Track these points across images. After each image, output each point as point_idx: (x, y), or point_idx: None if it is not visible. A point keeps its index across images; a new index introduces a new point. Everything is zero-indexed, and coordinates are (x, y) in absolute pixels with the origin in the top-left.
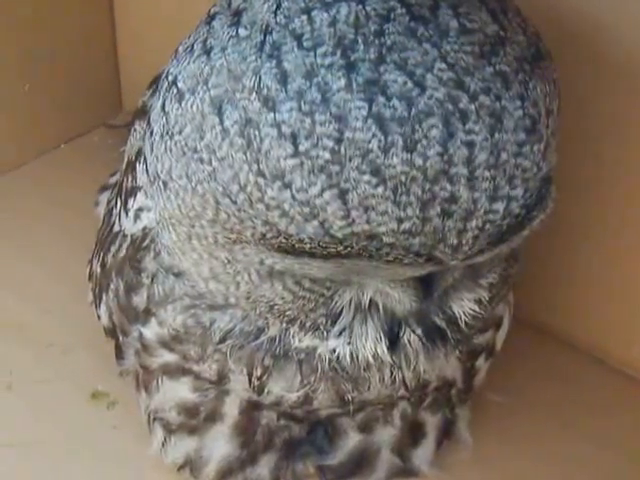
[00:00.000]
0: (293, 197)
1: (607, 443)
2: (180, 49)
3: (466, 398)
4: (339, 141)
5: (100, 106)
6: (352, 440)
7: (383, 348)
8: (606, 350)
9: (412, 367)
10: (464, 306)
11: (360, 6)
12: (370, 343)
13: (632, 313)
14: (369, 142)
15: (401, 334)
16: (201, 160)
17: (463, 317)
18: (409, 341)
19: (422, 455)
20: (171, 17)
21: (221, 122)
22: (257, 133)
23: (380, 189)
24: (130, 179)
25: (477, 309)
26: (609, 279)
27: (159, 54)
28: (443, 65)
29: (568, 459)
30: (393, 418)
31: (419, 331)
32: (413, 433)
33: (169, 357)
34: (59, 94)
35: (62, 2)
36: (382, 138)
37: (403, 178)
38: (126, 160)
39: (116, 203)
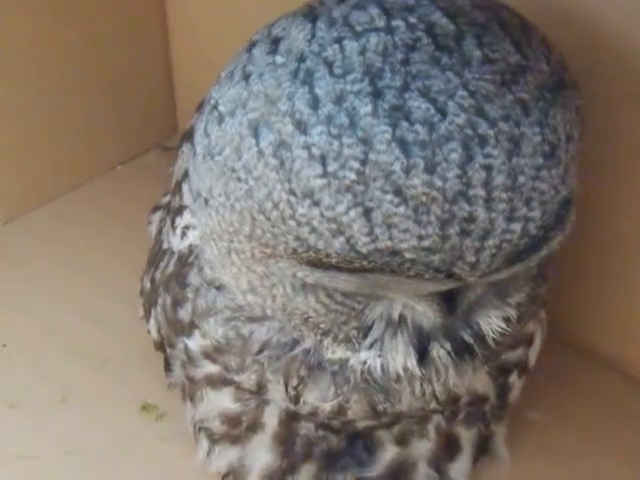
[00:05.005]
0: (321, 214)
1: None
2: (222, 74)
3: (502, 414)
4: (364, 163)
5: (156, 128)
6: (390, 453)
7: (413, 361)
8: None
9: (442, 381)
10: (491, 323)
11: (389, 36)
12: (400, 356)
13: None
14: (392, 164)
15: (430, 348)
16: (239, 179)
17: (490, 334)
18: (438, 355)
19: (459, 469)
20: (228, 38)
21: (257, 144)
22: (289, 154)
23: (402, 208)
24: (177, 199)
25: (505, 326)
26: None
27: (214, 77)
28: (464, 92)
29: (605, 477)
30: (428, 432)
31: (447, 346)
32: (449, 447)
33: (212, 368)
34: (116, 117)
35: (118, 26)
36: (404, 160)
37: (424, 198)
38: (174, 181)
39: (165, 222)
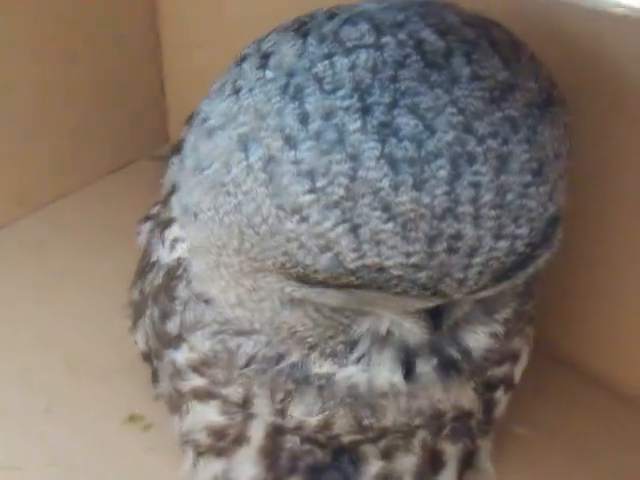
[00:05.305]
0: (309, 230)
1: (629, 478)
2: (213, 88)
3: (487, 429)
4: (353, 179)
5: (146, 137)
6: (375, 467)
7: (399, 377)
8: (634, 387)
9: (427, 396)
10: (478, 339)
11: (378, 52)
12: (386, 372)
13: None
14: (380, 181)
15: (416, 364)
16: (228, 193)
17: (477, 350)
18: (424, 371)
19: None
20: (219, 49)
21: (246, 158)
22: (278, 169)
23: (390, 225)
24: (167, 211)
25: (491, 343)
26: (638, 318)
27: (206, 87)
28: (453, 109)
29: None
30: (413, 446)
31: (433, 361)
32: (433, 462)
33: (199, 381)
34: (106, 125)
35: (111, 36)
36: (393, 177)
37: (412, 215)
38: (164, 192)
39: (154, 233)
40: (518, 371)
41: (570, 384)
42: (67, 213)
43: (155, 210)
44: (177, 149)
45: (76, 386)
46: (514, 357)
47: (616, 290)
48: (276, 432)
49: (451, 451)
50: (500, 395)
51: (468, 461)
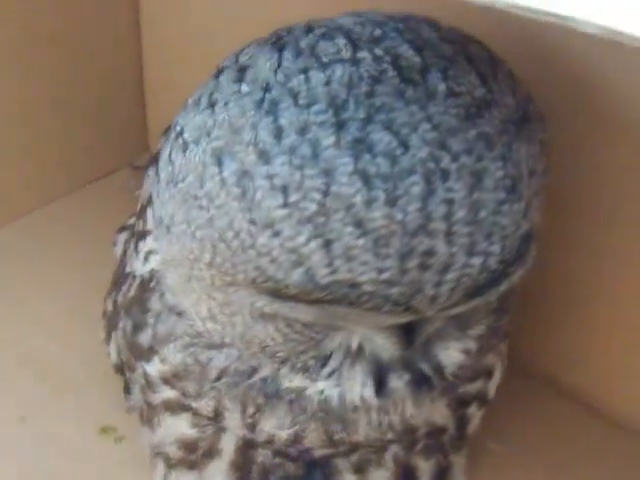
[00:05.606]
0: (282, 245)
1: None
2: (189, 101)
3: (461, 445)
4: (326, 194)
5: (126, 146)
6: None
7: (370, 392)
8: (607, 403)
9: (399, 412)
10: (451, 355)
11: (354, 68)
12: (358, 387)
13: (634, 368)
14: (353, 196)
15: (388, 379)
16: (200, 207)
17: (449, 366)
18: (396, 387)
19: None
20: (200, 57)
21: (220, 172)
22: (252, 184)
23: (362, 241)
24: (142, 223)
25: (464, 358)
26: (612, 333)
27: (186, 97)
28: (428, 126)
29: None
30: (386, 461)
31: (405, 377)
32: (406, 477)
33: (170, 393)
34: (87, 135)
35: (90, 43)
36: (366, 193)
37: (384, 231)
38: (139, 204)
39: (129, 245)
40: (492, 387)
41: (544, 400)
42: (47, 222)
43: (132, 221)
44: (154, 161)
45: (49, 397)
46: (488, 373)
47: (591, 306)
48: (247, 446)
49: (424, 467)
50: (473, 411)
51: (442, 477)
